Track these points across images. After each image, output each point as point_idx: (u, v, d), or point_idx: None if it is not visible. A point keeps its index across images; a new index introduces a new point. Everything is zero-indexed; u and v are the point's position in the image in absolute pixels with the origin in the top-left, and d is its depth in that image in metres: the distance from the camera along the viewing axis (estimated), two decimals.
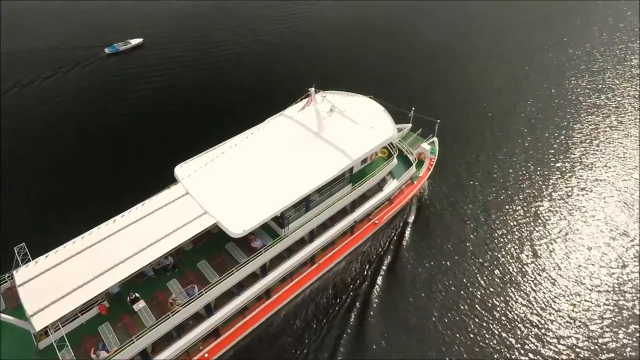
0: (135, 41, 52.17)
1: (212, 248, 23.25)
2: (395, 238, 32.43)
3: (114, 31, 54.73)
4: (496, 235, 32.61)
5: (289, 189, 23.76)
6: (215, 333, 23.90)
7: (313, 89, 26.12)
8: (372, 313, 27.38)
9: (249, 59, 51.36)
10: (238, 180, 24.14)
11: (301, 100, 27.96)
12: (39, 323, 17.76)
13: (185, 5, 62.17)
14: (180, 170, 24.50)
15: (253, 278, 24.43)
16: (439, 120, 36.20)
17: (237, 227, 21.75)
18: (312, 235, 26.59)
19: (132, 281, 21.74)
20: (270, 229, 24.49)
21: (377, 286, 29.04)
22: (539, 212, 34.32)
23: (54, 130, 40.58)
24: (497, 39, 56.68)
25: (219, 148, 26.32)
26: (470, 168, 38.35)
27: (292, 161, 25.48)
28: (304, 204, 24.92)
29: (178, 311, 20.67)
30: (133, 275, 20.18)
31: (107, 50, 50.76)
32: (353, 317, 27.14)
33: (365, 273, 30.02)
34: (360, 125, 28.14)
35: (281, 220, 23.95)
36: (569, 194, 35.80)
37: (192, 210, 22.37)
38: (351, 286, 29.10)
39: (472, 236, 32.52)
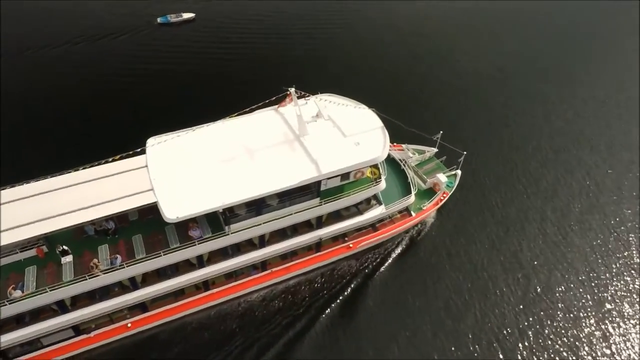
0: (187, 15, 54.86)
1: (153, 225, 23.65)
2: (368, 270, 29.87)
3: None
4: (479, 314, 27.41)
5: (242, 187, 23.12)
6: (142, 307, 24.47)
7: (293, 89, 25.01)
8: (307, 343, 25.65)
9: (290, 52, 50.98)
10: (198, 165, 24.16)
11: (276, 98, 27.01)
12: None
13: None
14: (152, 141, 25.24)
15: (189, 266, 24.43)
16: (465, 153, 32.73)
17: (172, 212, 21.77)
18: (263, 240, 25.69)
19: (73, 236, 23.20)
20: (217, 223, 24.15)
21: (324, 315, 27.09)
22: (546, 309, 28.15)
23: (78, 88, 44.02)
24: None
25: (198, 129, 26.51)
26: (484, 217, 33.78)
27: (260, 159, 24.79)
28: (255, 207, 24.14)
29: (96, 276, 21.47)
30: (67, 229, 21.53)
31: (159, 20, 54.04)
32: (285, 339, 25.68)
33: (320, 295, 28.25)
34: (348, 138, 26.37)
35: (224, 217, 23.47)
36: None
37: (142, 183, 22.98)
38: (300, 305, 27.53)
39: (448, 298, 28.06)
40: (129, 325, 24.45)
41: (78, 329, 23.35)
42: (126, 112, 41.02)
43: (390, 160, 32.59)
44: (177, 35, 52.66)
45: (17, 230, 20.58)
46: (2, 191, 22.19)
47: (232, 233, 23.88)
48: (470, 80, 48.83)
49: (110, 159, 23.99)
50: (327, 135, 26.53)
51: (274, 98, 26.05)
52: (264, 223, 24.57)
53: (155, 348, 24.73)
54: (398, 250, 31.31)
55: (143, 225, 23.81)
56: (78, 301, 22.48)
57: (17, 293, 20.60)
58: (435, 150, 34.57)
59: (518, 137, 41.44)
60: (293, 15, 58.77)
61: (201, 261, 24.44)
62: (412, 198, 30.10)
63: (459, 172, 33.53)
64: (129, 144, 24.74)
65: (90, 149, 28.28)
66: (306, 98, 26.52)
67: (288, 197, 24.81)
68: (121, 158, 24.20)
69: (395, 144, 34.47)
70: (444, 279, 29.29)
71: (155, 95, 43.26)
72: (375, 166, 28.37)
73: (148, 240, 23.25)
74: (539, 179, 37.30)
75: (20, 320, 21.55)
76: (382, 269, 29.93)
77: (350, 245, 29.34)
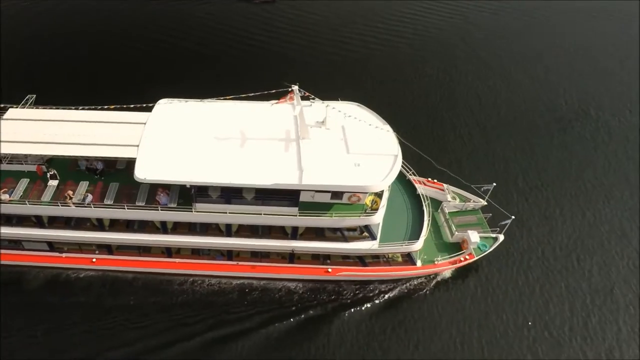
0: None
1: (133, 179, 24.41)
2: (339, 303, 26.77)
3: None
4: None
5: (216, 169, 22.62)
6: (108, 248, 25.93)
7: (296, 87, 23.03)
8: (236, 345, 24.42)
9: (348, 53, 46.89)
10: (191, 136, 24.19)
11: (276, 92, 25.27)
12: None
13: None
14: (163, 102, 26.04)
15: (154, 227, 24.91)
16: (513, 217, 27.10)
17: (143, 172, 22.36)
18: (230, 230, 24.83)
19: (69, 166, 25.39)
20: (187, 197, 23.98)
21: (271, 326, 25.39)
22: None
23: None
24: None
25: (210, 102, 26.48)
26: (513, 319, 26.24)
27: (250, 148, 23.87)
28: (224, 194, 23.30)
29: (66, 205, 23.26)
30: (63, 158, 23.88)
31: None
32: (219, 333, 24.85)
33: (277, 305, 26.44)
34: (350, 155, 23.72)
35: (191, 193, 23.19)
36: None
37: (134, 137, 23.95)
38: (253, 307, 26.18)
39: None
40: (94, 260, 26.17)
41: (52, 245, 25.77)
42: (156, 70, 42.08)
43: (416, 196, 28.47)
44: (250, 13, 51.78)
45: (16, 144, 23.50)
46: (11, 109, 25.40)
47: (196, 211, 23.54)
48: (563, 129, 39.62)
49: (125, 106, 25.50)
50: (329, 145, 24.15)
51: (274, 91, 24.52)
52: (229, 212, 23.62)
53: (105, 288, 26.15)
54: (386, 297, 27.37)
55: (125, 176, 24.80)
56: (55, 222, 24.67)
57: (5, 197, 23.48)
58: (483, 203, 29.17)
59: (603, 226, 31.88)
60: (374, 17, 53.63)
61: (165, 228, 24.70)
62: (417, 245, 25.84)
63: (501, 237, 27.76)
64: (143, 97, 25.88)
65: (107, 93, 30.91)
66: (311, 100, 24.28)
67: (262, 195, 23.39)
68: (134, 109, 25.58)
69: (435, 181, 30.06)
70: None
71: (195, 63, 43.60)
72: (379, 195, 25.00)
73: (122, 190, 24.28)
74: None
75: (9, 220, 24.58)
76: (354, 310, 26.51)
77: (329, 270, 26.69)
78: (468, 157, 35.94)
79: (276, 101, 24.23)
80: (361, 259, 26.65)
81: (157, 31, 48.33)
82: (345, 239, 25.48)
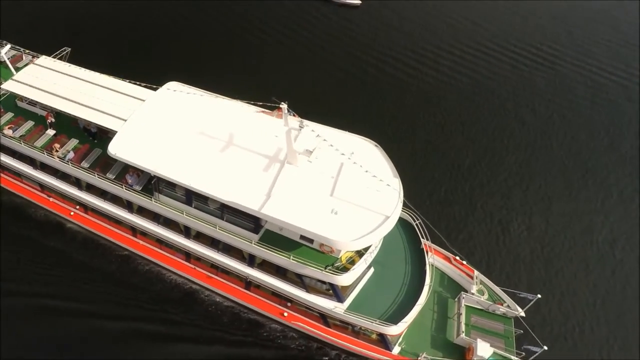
0: (353, 1, 48.05)
1: None
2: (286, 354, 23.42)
3: None
4: None
5: (183, 166, 21.04)
6: (84, 207, 26.02)
7: (285, 105, 19.64)
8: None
9: (433, 88, 39.35)
10: (179, 126, 22.78)
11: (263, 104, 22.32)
12: (7, 86, 25.16)
13: None
14: (170, 85, 24.98)
15: (122, 203, 24.14)
16: (545, 348, 21.12)
17: (117, 148, 21.86)
18: (189, 232, 23.13)
19: (71, 122, 25.63)
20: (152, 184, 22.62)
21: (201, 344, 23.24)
22: None
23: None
24: None
25: (217, 97, 24.78)
26: None
27: (230, 155, 21.69)
28: (187, 195, 21.62)
29: (50, 156, 23.72)
30: (63, 113, 24.33)
31: None
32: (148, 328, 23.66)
33: (217, 327, 24.12)
34: (332, 199, 20.01)
35: (154, 182, 21.92)
36: None
37: (125, 111, 23.45)
38: (192, 317, 24.32)
39: None
40: (72, 213, 26.44)
41: (43, 187, 26.58)
42: (193, 54, 39.67)
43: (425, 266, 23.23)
44: (322, 15, 46.22)
45: (25, 87, 24.67)
46: (43, 57, 26.78)
47: (155, 201, 22.31)
48: None
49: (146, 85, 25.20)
50: (314, 180, 20.74)
51: (261, 103, 21.49)
52: (186, 214, 21.88)
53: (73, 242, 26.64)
54: None
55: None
56: (45, 168, 25.28)
57: (8, 132, 24.68)
58: (519, 313, 22.63)
59: None
60: (469, 43, 44.56)
61: (130, 207, 23.93)
62: (392, 329, 20.87)
63: None
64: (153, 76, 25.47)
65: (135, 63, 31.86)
66: (300, 124, 20.57)
67: (225, 209, 21.17)
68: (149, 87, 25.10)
69: (465, 262, 24.30)
70: None
71: (232, 53, 40.52)
72: (360, 254, 20.73)
73: (101, 158, 24.08)
74: None
75: (14, 154, 25.84)
76: None
77: (285, 315, 23.24)
78: (511, 249, 28.47)
79: (262, 110, 21.23)
80: (323, 317, 22.59)
81: (215, 17, 45.10)
82: (305, 288, 21.72)
